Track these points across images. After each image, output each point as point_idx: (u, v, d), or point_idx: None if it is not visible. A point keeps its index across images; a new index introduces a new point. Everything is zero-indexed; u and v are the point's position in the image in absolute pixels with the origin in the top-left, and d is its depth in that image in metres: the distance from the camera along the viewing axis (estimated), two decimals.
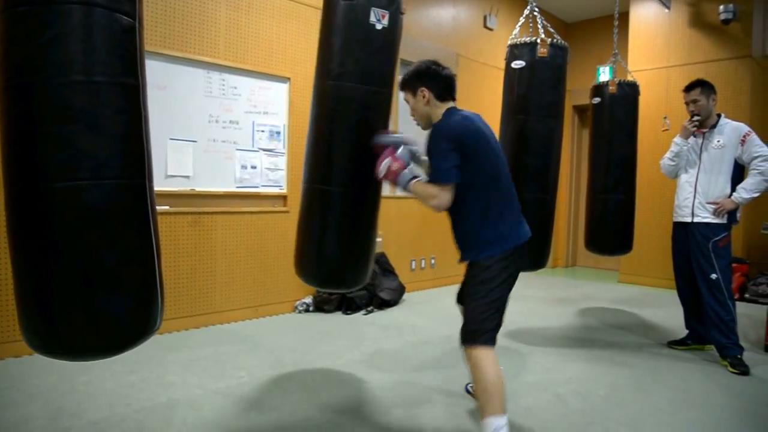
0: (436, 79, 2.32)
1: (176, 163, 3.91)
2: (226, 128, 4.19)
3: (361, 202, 2.52)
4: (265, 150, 4.43)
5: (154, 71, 3.76)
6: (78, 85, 1.51)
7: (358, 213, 2.53)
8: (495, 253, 2.17)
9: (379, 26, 2.47)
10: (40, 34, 1.47)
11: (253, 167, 4.36)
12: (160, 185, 3.78)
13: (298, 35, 4.62)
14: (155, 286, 1.69)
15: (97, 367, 3.05)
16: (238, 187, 4.28)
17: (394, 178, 2.28)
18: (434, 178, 2.16)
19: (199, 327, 4.02)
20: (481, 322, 2.14)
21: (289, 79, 4.54)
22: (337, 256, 2.55)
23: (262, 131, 4.41)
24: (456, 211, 2.23)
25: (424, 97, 2.30)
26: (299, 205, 2.68)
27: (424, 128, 2.37)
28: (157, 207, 3.76)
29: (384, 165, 2.29)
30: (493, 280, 2.16)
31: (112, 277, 1.58)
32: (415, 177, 2.26)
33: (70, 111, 1.51)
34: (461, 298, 2.43)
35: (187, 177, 3.98)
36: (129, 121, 1.61)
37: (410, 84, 2.35)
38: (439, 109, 2.30)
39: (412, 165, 2.30)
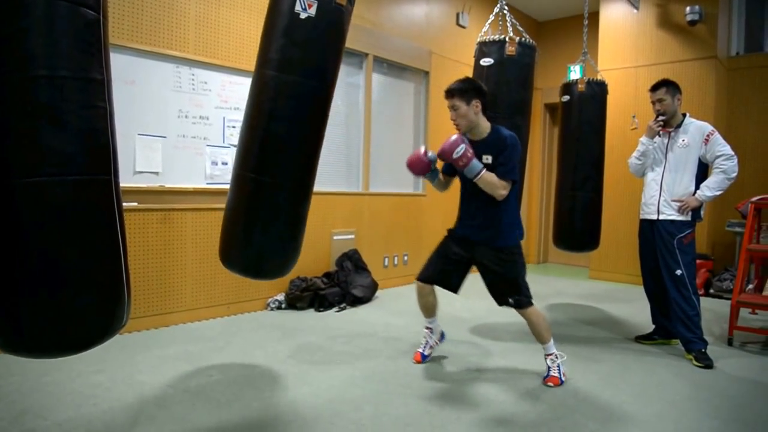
0: (485, 96, 2.94)
1: (145, 159, 3.84)
2: (196, 124, 4.13)
3: (277, 191, 2.56)
4: (236, 146, 4.37)
5: (122, 65, 3.69)
6: (41, 80, 1.48)
7: (275, 201, 2.57)
8: (522, 236, 3.04)
9: (303, 15, 2.44)
10: (1, 28, 1.44)
11: (224, 164, 4.31)
12: (128, 181, 3.73)
13: None
14: (122, 283, 1.67)
15: (63, 367, 2.99)
16: (208, 184, 4.22)
17: (467, 162, 2.76)
18: (509, 174, 2.83)
19: (170, 325, 3.96)
20: (528, 290, 3.00)
21: None
22: (260, 243, 2.59)
23: (234, 127, 4.36)
24: (504, 203, 2.90)
25: (477, 107, 2.90)
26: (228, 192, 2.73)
27: (464, 131, 2.94)
28: (126, 204, 3.71)
29: (460, 149, 2.74)
30: (523, 256, 3.05)
31: (77, 275, 1.55)
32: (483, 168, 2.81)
33: (33, 106, 1.48)
34: (448, 280, 3.17)
35: (157, 173, 3.91)
36: (94, 116, 1.58)
37: (466, 94, 2.87)
38: (483, 120, 2.94)
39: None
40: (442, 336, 3.46)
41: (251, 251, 2.61)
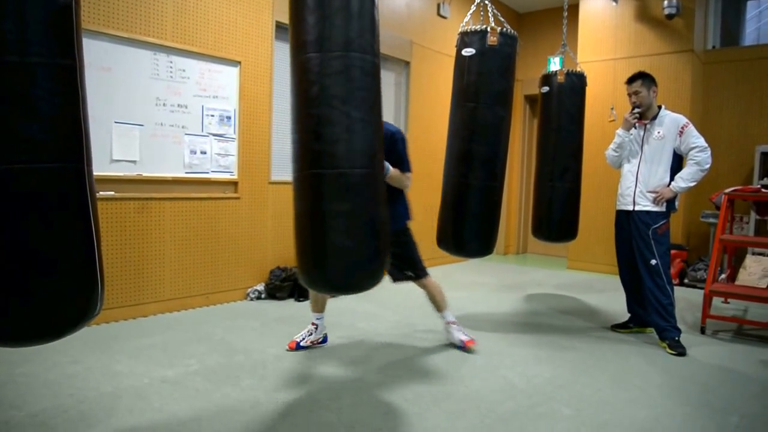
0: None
1: (122, 147, 3.79)
2: (174, 112, 4.08)
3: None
4: (215, 135, 4.34)
5: (98, 52, 3.63)
6: (11, 65, 1.45)
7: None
8: (410, 217, 3.31)
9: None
10: None
11: (203, 152, 4.27)
12: (104, 170, 3.68)
13: (249, 18, 4.53)
14: (94, 272, 1.65)
15: (37, 358, 2.95)
16: (187, 173, 4.18)
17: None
18: (407, 166, 3.13)
19: (148, 316, 3.93)
20: (422, 263, 3.30)
21: (239, 62, 4.45)
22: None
23: (212, 116, 4.32)
24: (399, 191, 3.16)
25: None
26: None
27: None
28: (102, 193, 3.66)
29: None
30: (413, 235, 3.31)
31: (47, 263, 1.53)
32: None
33: (3, 93, 1.45)
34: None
35: (134, 162, 3.86)
36: (65, 103, 1.56)
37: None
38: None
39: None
40: (325, 339, 3.46)
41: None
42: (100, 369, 2.89)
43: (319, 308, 3.37)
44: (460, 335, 3.40)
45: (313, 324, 3.38)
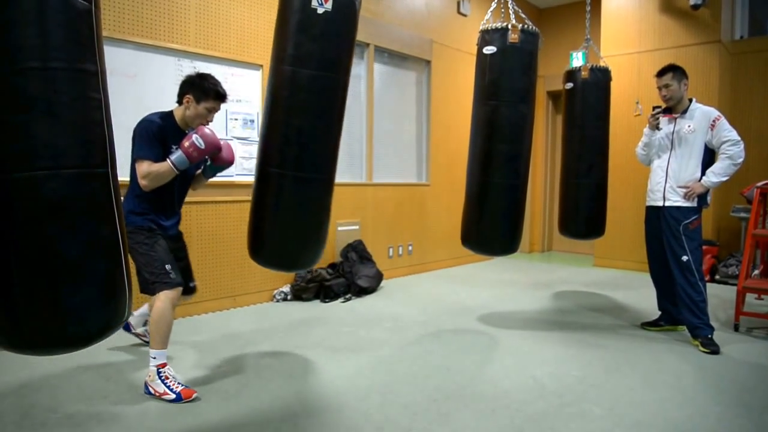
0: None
1: None
2: None
3: (302, 184, 2.66)
4: (239, 138, 4.38)
5: (123, 59, 3.68)
6: (33, 71, 1.45)
7: (302, 194, 2.67)
8: None
9: (320, 10, 2.49)
10: None
11: None
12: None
13: (270, 22, 4.52)
14: (122, 277, 1.65)
15: (71, 361, 3.00)
16: None
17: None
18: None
19: (176, 318, 3.95)
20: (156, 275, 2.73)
21: (261, 66, 4.48)
22: (287, 237, 2.69)
23: (236, 119, 4.36)
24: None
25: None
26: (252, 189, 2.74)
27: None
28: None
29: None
30: None
31: (75, 269, 1.53)
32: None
33: (26, 99, 1.45)
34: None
35: None
36: (88, 108, 1.56)
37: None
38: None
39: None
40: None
41: (281, 246, 2.71)
42: (131, 371, 2.93)
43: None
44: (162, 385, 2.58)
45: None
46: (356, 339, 3.60)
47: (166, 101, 3.93)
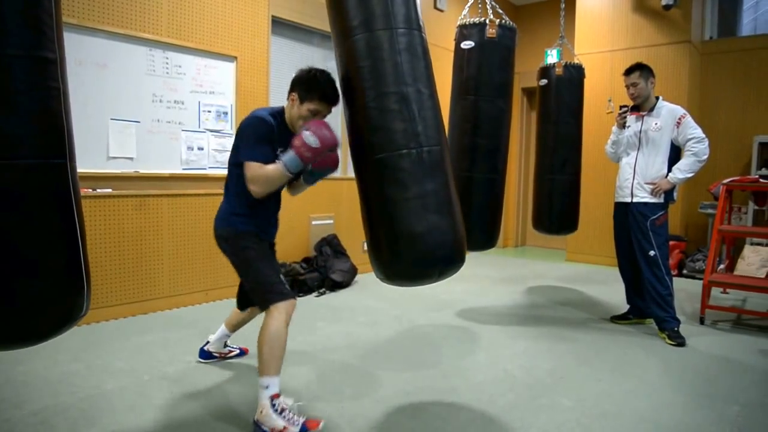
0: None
1: (118, 144, 3.78)
2: (171, 108, 4.07)
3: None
4: (212, 131, 4.33)
5: (93, 48, 3.61)
6: None
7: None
8: None
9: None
10: None
11: (200, 149, 4.26)
12: (101, 167, 3.67)
13: (245, 12, 4.51)
14: (79, 271, 1.59)
15: (38, 356, 2.95)
16: (184, 169, 4.17)
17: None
18: None
19: (147, 313, 3.92)
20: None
21: (235, 58, 4.44)
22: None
23: (209, 111, 4.31)
24: None
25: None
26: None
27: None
28: (100, 190, 3.65)
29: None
30: None
31: (29, 263, 1.48)
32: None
33: None
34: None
35: (131, 159, 3.85)
36: (46, 97, 1.51)
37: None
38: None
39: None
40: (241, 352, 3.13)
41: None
42: (100, 366, 2.89)
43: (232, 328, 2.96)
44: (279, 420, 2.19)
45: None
46: (330, 333, 3.60)
47: (137, 92, 3.88)
